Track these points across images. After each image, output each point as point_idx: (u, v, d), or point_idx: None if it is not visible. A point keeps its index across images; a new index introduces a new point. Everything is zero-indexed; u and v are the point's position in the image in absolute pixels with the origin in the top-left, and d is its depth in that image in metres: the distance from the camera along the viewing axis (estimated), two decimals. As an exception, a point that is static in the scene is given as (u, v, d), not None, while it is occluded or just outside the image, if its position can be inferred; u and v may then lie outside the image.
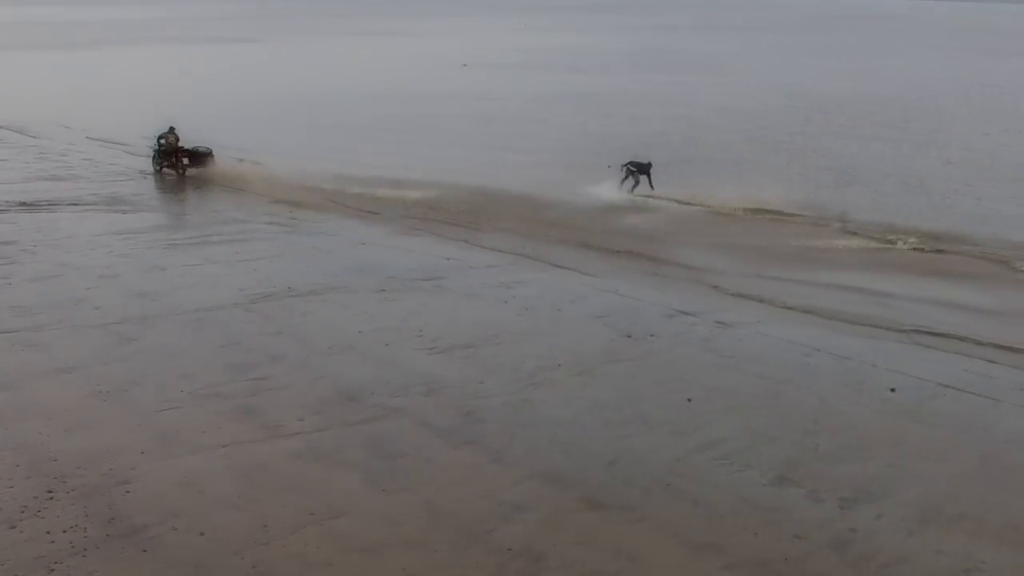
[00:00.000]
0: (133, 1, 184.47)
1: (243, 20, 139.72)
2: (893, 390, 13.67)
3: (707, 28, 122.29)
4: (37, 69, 67.11)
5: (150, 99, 48.60)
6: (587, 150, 33.51)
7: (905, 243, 21.66)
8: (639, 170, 27.28)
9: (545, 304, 17.30)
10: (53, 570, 8.85)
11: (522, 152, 33.77)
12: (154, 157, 29.23)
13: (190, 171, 28.68)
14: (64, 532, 9.45)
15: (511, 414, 12.57)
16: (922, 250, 21.36)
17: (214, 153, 28.92)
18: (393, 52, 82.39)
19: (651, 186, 26.98)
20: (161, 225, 22.75)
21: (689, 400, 13.19)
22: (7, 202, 24.59)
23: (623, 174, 27.50)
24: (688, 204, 25.47)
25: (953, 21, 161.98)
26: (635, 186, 27.34)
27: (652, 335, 15.75)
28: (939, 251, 21.30)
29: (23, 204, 24.45)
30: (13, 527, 9.49)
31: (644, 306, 17.38)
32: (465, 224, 23.47)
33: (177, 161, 28.73)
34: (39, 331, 15.05)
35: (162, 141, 28.88)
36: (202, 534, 9.54)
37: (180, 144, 28.76)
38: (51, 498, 10.05)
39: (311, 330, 15.56)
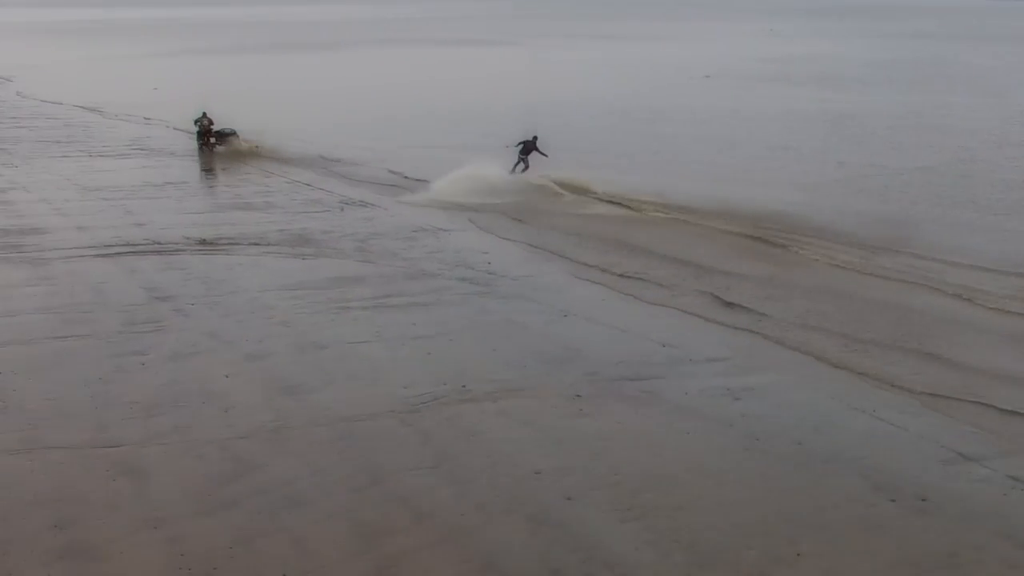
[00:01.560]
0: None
1: (490, 21, 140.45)
2: None
3: (962, 37, 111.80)
4: (278, 72, 67.57)
5: (379, 107, 47.19)
6: (837, 190, 28.74)
7: None
8: (525, 150, 29.12)
9: (781, 431, 13.22)
10: None
11: (759, 186, 29.27)
12: (197, 137, 34.76)
13: (217, 148, 34.41)
14: None
15: (730, 659, 8.65)
16: None
17: (237, 133, 34.51)
18: (635, 58, 78.66)
19: (543, 154, 28.98)
20: (340, 277, 19.90)
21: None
22: (187, 239, 22.49)
23: (516, 158, 29.24)
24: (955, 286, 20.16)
25: None
26: (524, 169, 29.18)
27: (924, 499, 11.43)
28: None
29: (203, 242, 22.28)
30: None
31: (911, 441, 13.01)
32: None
33: (206, 140, 34.36)
34: (145, 447, 12.25)
35: (197, 125, 34.47)
36: None
37: (211, 127, 34.30)
38: None
39: (475, 464, 12.10)
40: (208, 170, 32.67)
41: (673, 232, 23.97)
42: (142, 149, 36.31)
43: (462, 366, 15.28)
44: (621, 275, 20.39)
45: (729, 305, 18.53)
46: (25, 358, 14.86)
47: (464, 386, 14.45)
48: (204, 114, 34.66)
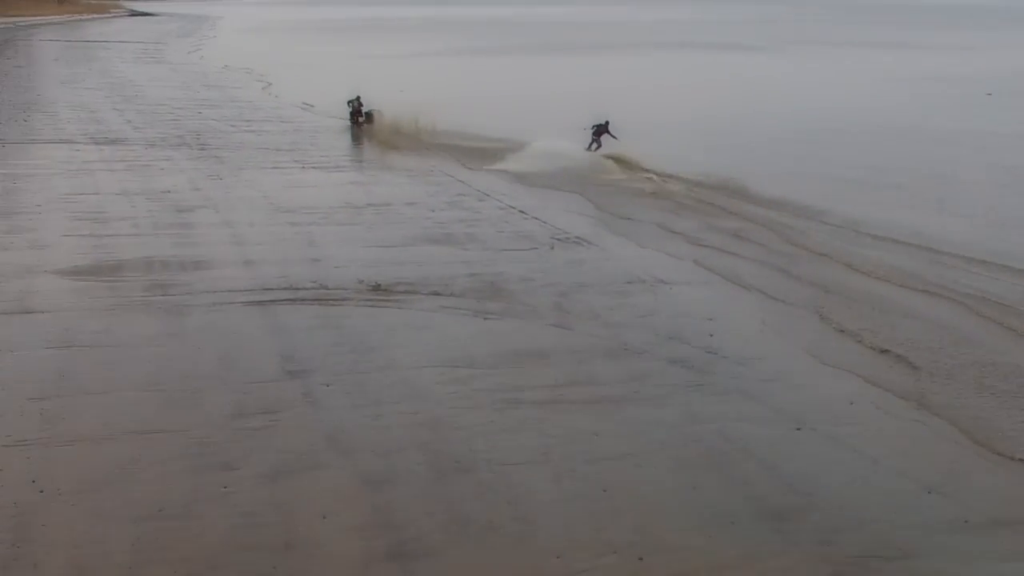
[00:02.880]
0: (658, 2, 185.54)
1: (755, 25, 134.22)
2: None
3: None
4: (535, 73, 65.05)
5: (634, 111, 42.97)
6: None
7: None
8: (597, 132, 32.25)
9: None
10: None
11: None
12: (350, 117, 39.68)
13: (365, 125, 39.13)
14: None
15: None
16: None
17: (381, 111, 39.40)
18: (907, 70, 70.43)
19: (614, 137, 32.19)
20: (521, 350, 15.90)
21: None
22: (359, 283, 19.14)
23: (590, 139, 32.52)
24: None
25: None
26: (597, 148, 32.40)
27: None
28: None
29: (376, 288, 18.82)
30: None
31: None
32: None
33: (356, 119, 39.41)
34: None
35: (350, 106, 39.44)
36: None
37: (360, 107, 39.25)
38: None
39: None
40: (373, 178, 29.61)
41: (938, 308, 18.45)
42: (359, 161, 33.87)
43: (645, 516, 10.97)
44: (868, 378, 15.19)
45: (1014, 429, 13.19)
46: (86, 466, 11.66)
47: (641, 559, 10.13)
48: (358, 97, 39.50)
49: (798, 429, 13.27)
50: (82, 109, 44.60)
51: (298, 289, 18.65)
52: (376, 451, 12.31)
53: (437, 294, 18.67)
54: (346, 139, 38.25)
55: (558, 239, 22.99)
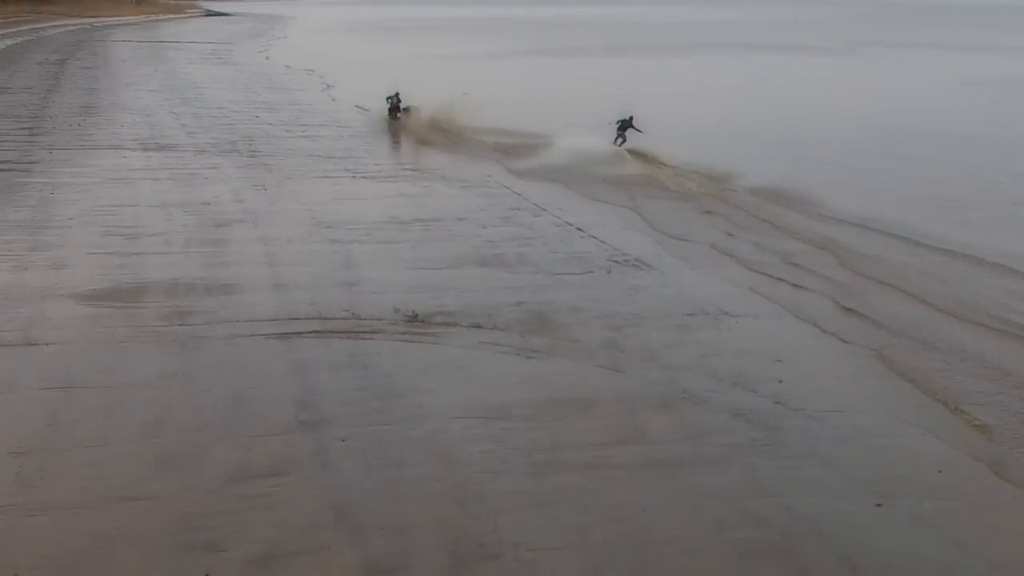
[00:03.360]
0: (710, 2, 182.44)
1: (818, 26, 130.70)
2: None
3: None
4: (603, 74, 63.12)
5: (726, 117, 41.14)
6: None
7: None
8: (622, 127, 32.93)
9: None
10: None
11: None
12: (388, 112, 41.00)
13: (402, 120, 40.35)
14: None
15: None
16: None
17: (418, 108, 40.41)
18: (983, 73, 67.10)
19: (639, 131, 32.57)
20: (565, 398, 14.20)
21: None
22: (395, 312, 17.56)
23: (615, 133, 33.24)
24: None
25: None
26: (623, 142, 33.13)
27: None
28: None
29: (412, 319, 17.21)
30: None
31: None
32: None
33: (394, 114, 40.80)
34: None
35: (389, 102, 40.95)
36: None
37: (399, 103, 40.71)
38: None
39: None
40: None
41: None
42: (413, 170, 32.32)
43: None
44: (950, 440, 13.20)
45: None
46: (55, 544, 10.22)
47: None
48: (396, 94, 41.09)
49: (878, 505, 11.39)
50: (139, 112, 43.74)
51: (328, 319, 17.13)
52: (388, 529, 10.68)
53: (478, 327, 17.01)
54: (401, 145, 36.99)
55: (615, 261, 21.22)
